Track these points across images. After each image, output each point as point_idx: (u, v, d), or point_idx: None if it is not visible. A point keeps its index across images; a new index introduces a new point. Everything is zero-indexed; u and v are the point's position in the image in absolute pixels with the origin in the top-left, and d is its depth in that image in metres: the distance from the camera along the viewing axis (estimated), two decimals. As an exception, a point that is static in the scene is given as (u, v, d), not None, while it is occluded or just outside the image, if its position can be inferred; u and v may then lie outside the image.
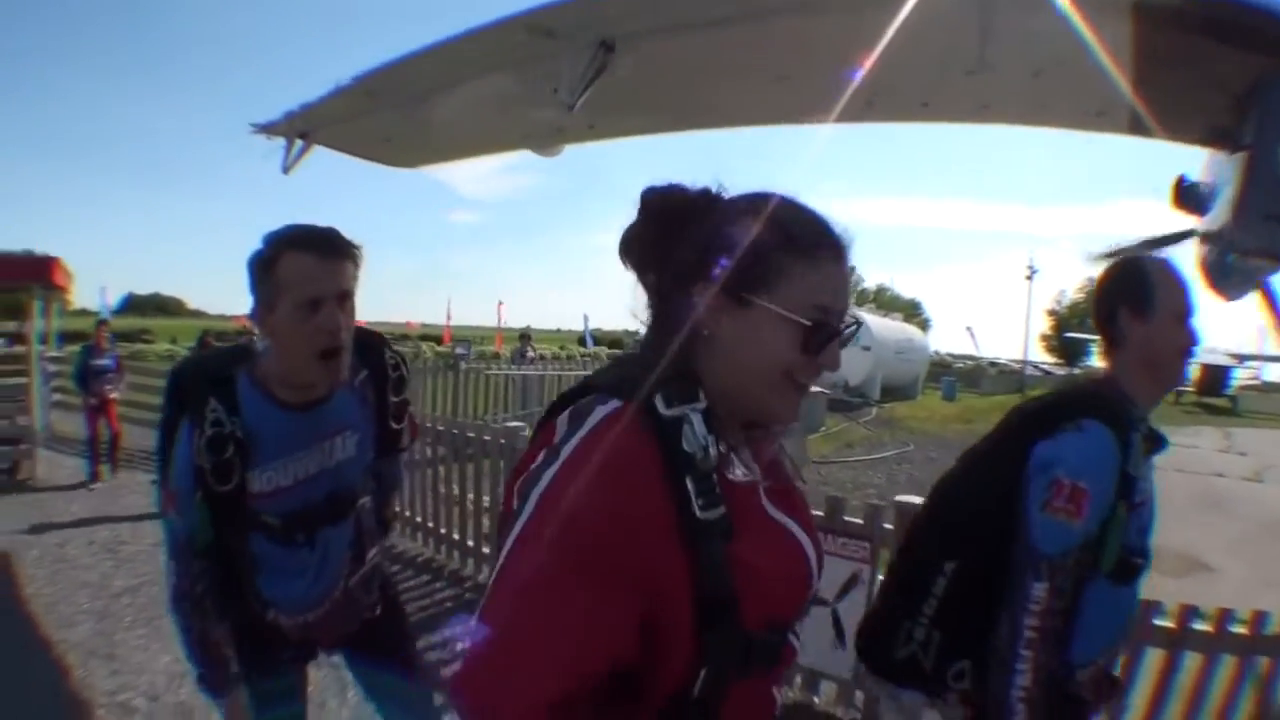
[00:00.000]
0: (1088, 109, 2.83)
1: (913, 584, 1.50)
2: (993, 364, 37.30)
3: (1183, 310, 1.44)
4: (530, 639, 0.64)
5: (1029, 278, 36.82)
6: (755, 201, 0.80)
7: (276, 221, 1.35)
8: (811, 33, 2.14)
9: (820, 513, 2.74)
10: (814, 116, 2.77)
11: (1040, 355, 49.18)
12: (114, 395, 6.56)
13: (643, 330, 0.86)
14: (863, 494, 7.61)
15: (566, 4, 2.10)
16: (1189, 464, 11.36)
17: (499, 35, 2.20)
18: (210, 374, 1.35)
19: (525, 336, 14.29)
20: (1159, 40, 2.26)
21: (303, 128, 3.06)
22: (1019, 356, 34.76)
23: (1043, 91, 2.54)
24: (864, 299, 54.86)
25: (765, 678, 0.83)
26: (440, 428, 4.61)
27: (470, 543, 4.29)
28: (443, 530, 4.47)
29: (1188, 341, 1.45)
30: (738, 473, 0.79)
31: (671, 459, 0.71)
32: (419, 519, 4.62)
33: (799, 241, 0.78)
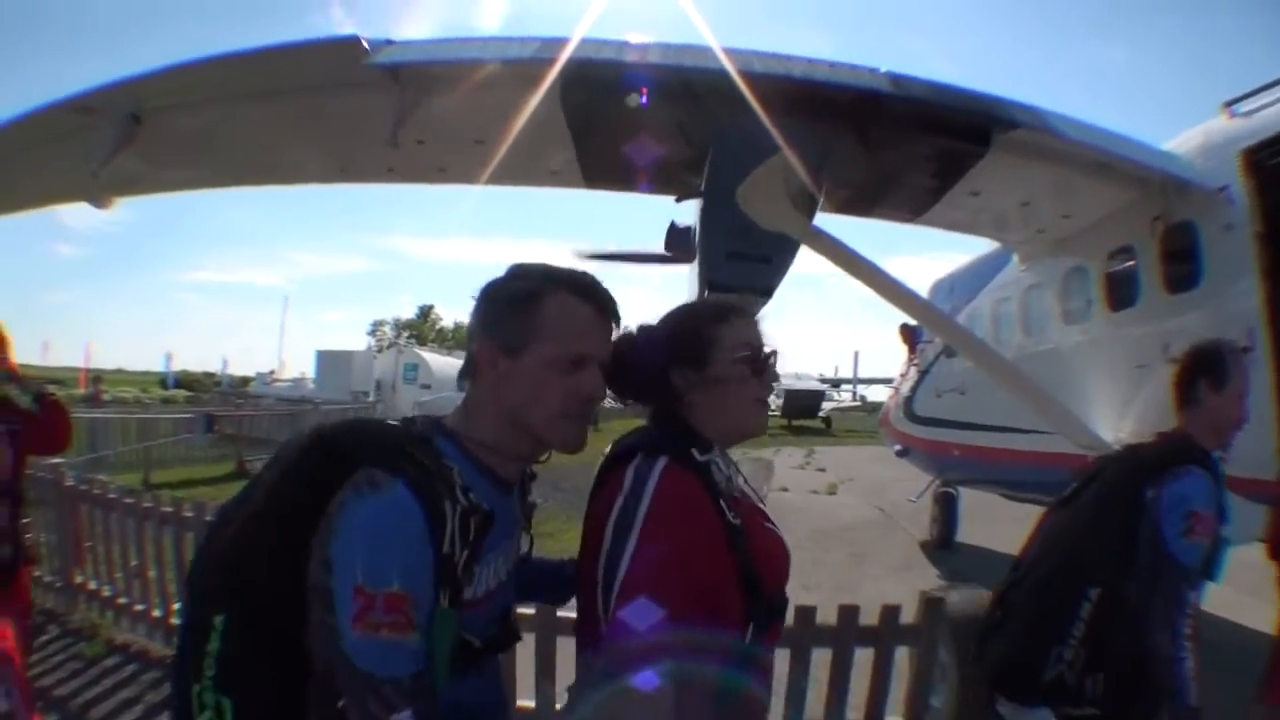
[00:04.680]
0: (541, 169, 3.60)
1: (1054, 614, 1.79)
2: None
3: (1244, 391, 1.88)
4: (669, 596, 0.97)
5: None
6: (677, 319, 1.24)
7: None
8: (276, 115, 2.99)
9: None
10: (297, 180, 3.76)
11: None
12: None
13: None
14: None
15: (104, 87, 2.77)
16: (756, 480, 11.72)
17: (51, 115, 2.83)
18: (411, 433, 1.00)
19: (97, 379, 15.72)
20: (615, 106, 2.83)
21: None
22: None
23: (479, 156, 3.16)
24: (443, 337, 56.24)
25: (774, 637, 1.18)
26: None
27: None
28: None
29: (1244, 416, 1.90)
30: (740, 492, 1.19)
31: (711, 488, 1.08)
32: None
33: (710, 312, 1.23)
